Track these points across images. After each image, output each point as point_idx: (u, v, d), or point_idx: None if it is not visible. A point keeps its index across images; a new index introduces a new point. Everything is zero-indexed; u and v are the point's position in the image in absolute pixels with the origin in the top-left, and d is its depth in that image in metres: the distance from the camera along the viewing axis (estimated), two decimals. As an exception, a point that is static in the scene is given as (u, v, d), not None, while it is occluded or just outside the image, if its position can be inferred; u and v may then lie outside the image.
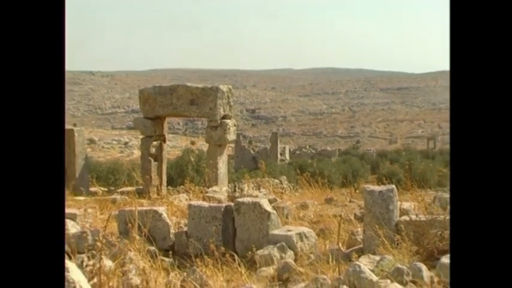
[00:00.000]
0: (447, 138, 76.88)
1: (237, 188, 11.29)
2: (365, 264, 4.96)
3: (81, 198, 11.29)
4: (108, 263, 4.96)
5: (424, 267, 4.94)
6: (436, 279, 4.87)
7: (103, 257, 4.83)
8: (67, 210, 8.25)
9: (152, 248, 6.42)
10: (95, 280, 4.56)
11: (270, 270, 5.67)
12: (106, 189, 13.26)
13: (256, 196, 9.39)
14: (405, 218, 6.49)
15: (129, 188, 12.65)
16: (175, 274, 5.37)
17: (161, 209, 7.54)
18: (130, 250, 5.58)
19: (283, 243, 6.43)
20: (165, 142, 13.45)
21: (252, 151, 32.89)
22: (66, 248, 5.95)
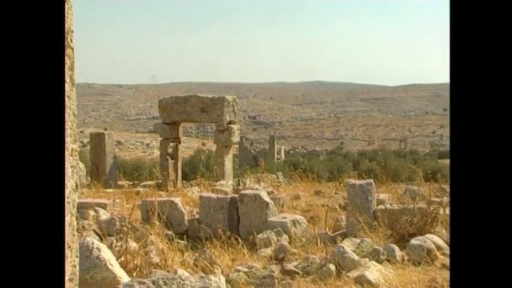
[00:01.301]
0: (416, 140, 76.76)
1: (240, 182, 11.28)
2: (348, 245, 4.96)
3: (110, 190, 11.29)
4: (133, 245, 4.97)
5: (396, 248, 4.95)
6: (406, 258, 4.87)
7: (129, 239, 4.83)
8: (99, 200, 8.26)
9: (169, 232, 6.42)
10: (122, 259, 4.57)
11: (268, 251, 5.67)
12: (131, 183, 13.24)
13: (257, 189, 9.39)
14: (381, 207, 6.50)
15: (150, 182, 12.65)
16: (189, 254, 5.37)
17: (177, 200, 7.55)
18: (151, 234, 5.58)
19: (280, 229, 6.43)
20: (180, 143, 13.45)
21: (253, 151, 32.80)
22: (99, 231, 5.96)
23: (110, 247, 4.60)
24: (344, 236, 6.20)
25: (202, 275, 4.23)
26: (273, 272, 4.41)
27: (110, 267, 3.61)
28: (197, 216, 7.34)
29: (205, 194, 7.97)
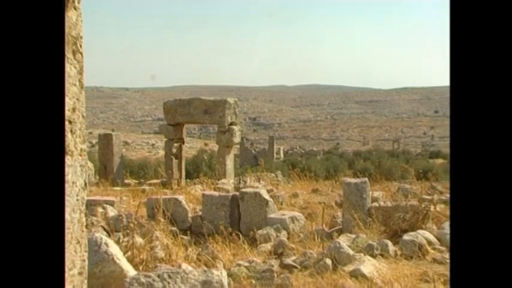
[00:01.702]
0: (408, 140, 76.76)
1: (241, 181, 11.27)
2: (344, 241, 4.97)
3: (118, 188, 11.29)
4: (139, 240, 4.97)
5: (390, 243, 4.95)
6: (399, 252, 4.88)
7: (135, 235, 4.84)
8: (107, 198, 8.26)
9: (174, 228, 6.42)
10: (129, 253, 4.57)
11: (268, 246, 5.67)
12: (137, 181, 13.25)
13: (257, 187, 9.39)
14: (375, 204, 6.50)
15: (155, 181, 12.66)
16: (192, 249, 5.37)
17: (181, 197, 7.55)
18: (157, 230, 5.59)
19: (279, 225, 6.43)
20: (183, 144, 13.45)
21: (253, 151, 32.78)
22: (107, 227, 5.96)
23: (117, 242, 4.60)
24: (340, 232, 6.21)
25: (205, 269, 4.23)
26: (272, 266, 4.41)
27: (117, 261, 3.62)
28: (200, 213, 7.35)
29: (207, 192, 7.97)
